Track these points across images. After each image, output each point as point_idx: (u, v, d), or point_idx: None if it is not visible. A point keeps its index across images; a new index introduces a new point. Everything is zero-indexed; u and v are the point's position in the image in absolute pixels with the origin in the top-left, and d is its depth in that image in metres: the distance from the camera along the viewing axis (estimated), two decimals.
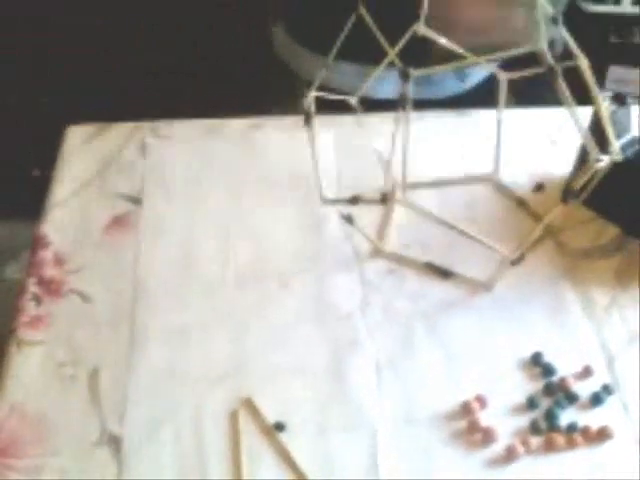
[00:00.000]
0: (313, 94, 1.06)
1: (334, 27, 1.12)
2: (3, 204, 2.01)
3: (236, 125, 1.34)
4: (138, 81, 2.12)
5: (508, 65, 1.10)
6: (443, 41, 1.06)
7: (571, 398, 0.97)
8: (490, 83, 1.41)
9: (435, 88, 1.26)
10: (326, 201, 1.12)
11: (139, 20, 2.09)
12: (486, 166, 1.25)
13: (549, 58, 1.01)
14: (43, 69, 2.16)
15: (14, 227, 1.85)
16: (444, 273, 1.11)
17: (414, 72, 1.11)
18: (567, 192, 0.99)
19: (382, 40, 1.05)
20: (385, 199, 1.12)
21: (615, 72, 1.36)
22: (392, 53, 1.05)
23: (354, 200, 1.12)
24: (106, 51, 2.14)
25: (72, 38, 2.12)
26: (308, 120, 1.05)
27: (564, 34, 0.99)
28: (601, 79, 1.33)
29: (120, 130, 1.33)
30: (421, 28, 1.04)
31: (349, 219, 1.13)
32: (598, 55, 1.20)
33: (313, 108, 1.06)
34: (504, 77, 1.16)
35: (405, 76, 1.09)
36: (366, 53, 1.05)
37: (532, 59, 1.04)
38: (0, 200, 2.07)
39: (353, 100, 1.13)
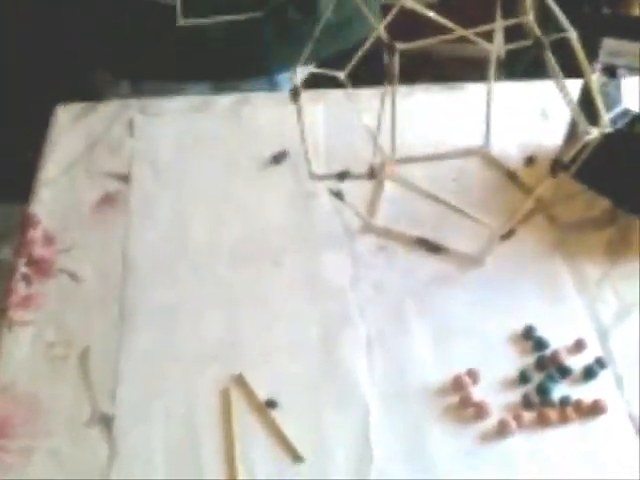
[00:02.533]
0: (300, 70, 1.05)
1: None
2: None
3: (224, 101, 1.34)
4: None
5: None
6: (431, 14, 1.05)
7: (563, 372, 0.97)
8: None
9: None
10: (314, 177, 1.12)
11: None
12: (476, 140, 1.24)
13: (537, 30, 1.00)
14: (29, 49, 2.15)
15: (8, 209, 1.84)
16: (435, 248, 1.11)
17: (399, 46, 1.11)
18: (556, 165, 0.98)
19: (370, 16, 1.04)
20: (374, 174, 1.11)
21: (609, 44, 1.35)
22: (380, 28, 1.04)
23: (343, 175, 1.11)
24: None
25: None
26: (296, 96, 1.04)
27: (552, 6, 0.99)
28: (595, 52, 1.32)
29: (108, 108, 1.32)
30: (408, 2, 1.04)
31: (339, 195, 1.12)
32: (591, 28, 1.20)
33: (300, 84, 1.05)
34: (493, 49, 1.15)
35: (391, 50, 1.09)
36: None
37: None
38: None
39: (341, 75, 1.12)
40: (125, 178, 1.20)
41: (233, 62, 1.19)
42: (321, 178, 1.13)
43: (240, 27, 1.07)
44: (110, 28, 1.36)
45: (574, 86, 1.04)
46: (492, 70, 1.18)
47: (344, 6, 1.33)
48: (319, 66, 1.22)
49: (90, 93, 1.51)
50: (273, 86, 1.44)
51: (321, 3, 1.35)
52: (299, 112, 1.05)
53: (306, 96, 1.06)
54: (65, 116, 1.31)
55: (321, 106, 1.30)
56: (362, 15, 1.35)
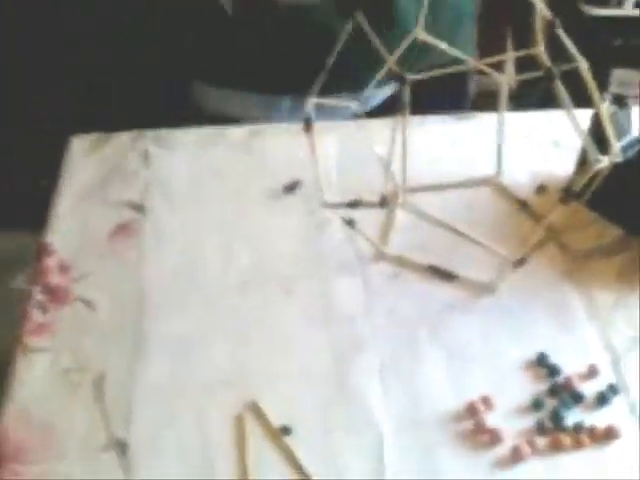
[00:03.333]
0: (313, 100, 1.06)
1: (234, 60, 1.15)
2: (11, 215, 2.01)
3: (236, 132, 1.35)
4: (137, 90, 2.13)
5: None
6: (443, 46, 1.07)
7: (577, 398, 0.97)
8: (389, 104, 1.43)
9: (338, 112, 1.28)
10: (327, 205, 1.12)
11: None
12: (488, 169, 1.25)
13: (547, 60, 1.01)
14: (45, 80, 2.17)
15: (23, 238, 1.85)
16: (447, 276, 1.12)
17: (410, 77, 1.12)
18: (567, 193, 0.99)
19: (381, 48, 1.05)
20: (385, 202, 1.12)
21: (618, 75, 1.36)
22: (391, 60, 1.05)
23: (355, 204, 1.12)
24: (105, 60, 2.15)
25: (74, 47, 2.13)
26: (308, 126, 1.05)
27: (563, 37, 1.00)
28: (605, 82, 1.33)
29: (122, 139, 1.34)
30: (420, 34, 1.05)
31: (351, 223, 1.13)
32: (601, 58, 1.21)
33: (313, 114, 1.06)
34: (504, 80, 1.16)
35: (401, 81, 1.10)
36: (260, 82, 1.07)
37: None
38: (8, 211, 2.07)
39: (353, 105, 1.13)
40: (139, 208, 1.21)
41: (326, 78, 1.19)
42: (333, 206, 1.14)
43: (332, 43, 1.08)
44: (208, 39, 1.36)
45: (585, 116, 1.05)
46: (503, 100, 1.19)
47: (438, 21, 1.35)
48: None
49: (183, 105, 1.54)
50: (363, 101, 1.44)
51: (400, 18, 1.35)
52: (311, 143, 1.06)
53: (318, 126, 1.07)
54: (80, 146, 1.32)
55: (333, 136, 1.31)
56: (456, 31, 1.37)
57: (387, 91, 1.50)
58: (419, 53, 1.11)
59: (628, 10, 1.91)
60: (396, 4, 1.34)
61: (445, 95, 1.27)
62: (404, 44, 1.05)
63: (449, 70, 1.13)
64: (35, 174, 2.06)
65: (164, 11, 1.43)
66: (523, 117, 1.35)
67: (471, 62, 1.11)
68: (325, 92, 1.10)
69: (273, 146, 1.32)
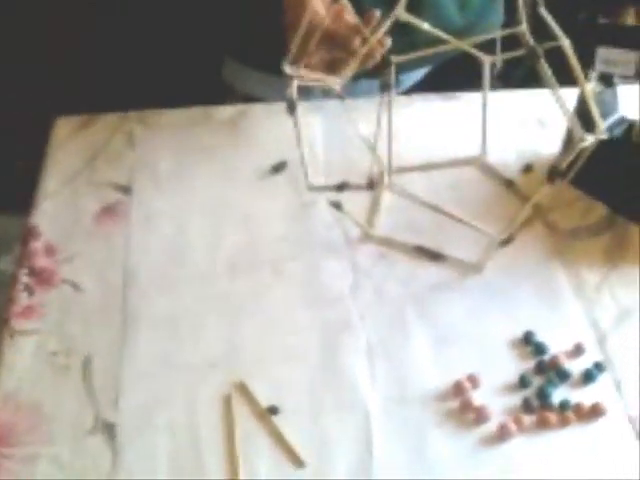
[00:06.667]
0: (296, 82, 1.06)
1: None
2: None
3: (223, 113, 1.34)
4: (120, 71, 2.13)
5: None
6: (426, 26, 1.07)
7: (563, 376, 0.98)
8: (423, 86, 1.43)
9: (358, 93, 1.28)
10: (313, 189, 1.12)
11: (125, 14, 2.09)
12: (474, 148, 1.25)
13: (530, 39, 1.01)
14: (27, 61, 2.16)
15: (5, 220, 1.84)
16: (434, 256, 1.12)
17: (395, 58, 1.12)
18: (553, 172, 0.99)
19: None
20: (372, 185, 1.12)
21: (604, 53, 1.36)
22: (372, 40, 1.05)
23: (341, 187, 1.12)
24: (92, 42, 2.14)
25: (59, 28, 2.12)
26: (292, 108, 1.05)
27: (545, 16, 1.00)
28: (591, 61, 1.33)
29: (107, 121, 1.33)
30: (402, 14, 1.04)
31: (337, 206, 1.13)
32: (587, 37, 1.21)
33: (296, 96, 1.05)
34: (488, 60, 1.16)
35: (386, 62, 1.10)
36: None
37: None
38: None
39: (337, 86, 1.13)
40: (126, 189, 1.21)
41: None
42: (319, 190, 1.14)
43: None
44: (243, 17, 1.35)
45: (571, 95, 1.05)
46: (487, 79, 1.18)
47: (469, 8, 1.35)
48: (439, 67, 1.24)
49: (216, 84, 1.53)
50: (397, 84, 1.43)
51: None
52: (296, 124, 1.06)
53: (304, 107, 1.07)
54: (65, 128, 1.31)
55: (319, 117, 1.31)
56: (486, 19, 1.37)
57: (419, 73, 1.49)
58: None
59: None
60: None
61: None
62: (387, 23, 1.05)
63: (432, 50, 1.13)
64: (11, 155, 2.06)
65: None
66: (508, 96, 1.35)
67: (454, 42, 1.10)
68: (359, 76, 1.11)
69: (260, 126, 1.32)
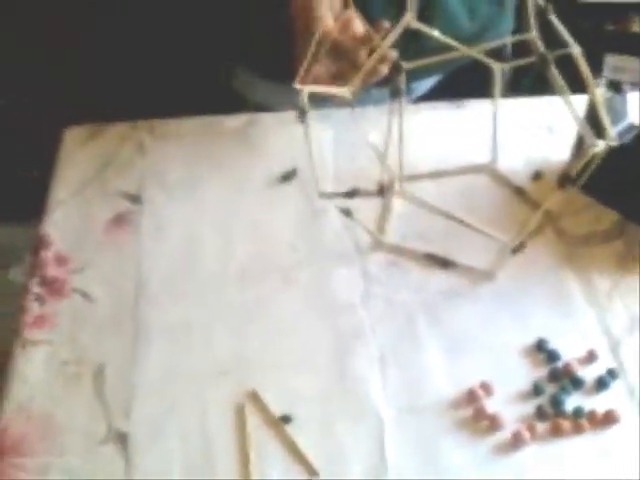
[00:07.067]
0: (307, 89, 1.05)
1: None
2: (3, 207, 2.01)
3: (232, 122, 1.34)
4: (133, 81, 2.12)
5: None
6: (436, 33, 1.07)
7: (576, 383, 0.97)
8: (434, 94, 1.43)
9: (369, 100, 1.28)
10: (323, 195, 1.12)
11: (132, 22, 2.09)
12: (483, 156, 1.25)
13: (540, 46, 1.01)
14: (38, 71, 2.16)
15: (15, 230, 1.84)
16: (445, 263, 1.12)
17: (406, 65, 1.12)
18: (564, 178, 0.99)
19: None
20: (382, 191, 1.12)
21: (612, 60, 1.36)
22: (384, 46, 1.05)
23: (352, 194, 1.11)
24: (100, 52, 2.14)
25: (67, 38, 2.12)
26: (303, 116, 1.05)
27: (555, 23, 1.00)
28: (600, 67, 1.33)
29: (117, 130, 1.33)
30: (413, 22, 1.04)
31: (348, 213, 1.13)
32: (594, 44, 1.21)
33: (307, 103, 1.05)
34: (498, 67, 1.16)
35: (397, 69, 1.10)
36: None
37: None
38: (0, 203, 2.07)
39: (348, 94, 1.13)
40: (136, 198, 1.21)
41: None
42: (330, 197, 1.13)
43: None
44: (255, 26, 1.35)
45: (580, 101, 1.05)
46: (497, 86, 1.18)
47: (478, 15, 1.35)
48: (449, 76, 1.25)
49: (228, 95, 1.53)
50: (409, 92, 1.43)
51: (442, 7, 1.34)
52: (306, 132, 1.06)
53: (314, 115, 1.07)
54: (75, 138, 1.31)
55: (328, 125, 1.31)
56: (496, 26, 1.37)
57: (431, 81, 1.49)
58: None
59: None
60: None
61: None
62: (398, 29, 1.04)
63: (442, 57, 1.13)
64: (25, 165, 2.06)
65: None
66: (517, 103, 1.34)
67: (464, 49, 1.10)
68: (370, 86, 1.11)
69: (270, 135, 1.32)
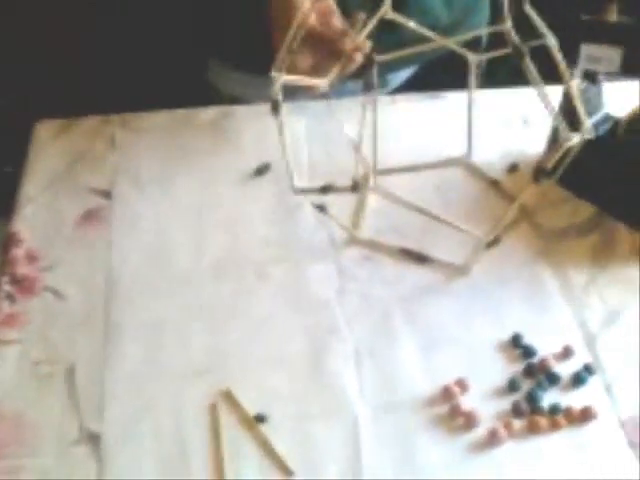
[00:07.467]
0: (281, 81, 1.04)
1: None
2: None
3: (205, 115, 1.33)
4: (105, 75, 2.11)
5: None
6: (412, 24, 1.06)
7: (552, 379, 0.97)
8: (410, 85, 1.43)
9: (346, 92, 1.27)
10: (297, 191, 1.11)
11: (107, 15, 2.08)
12: (460, 148, 1.24)
13: (514, 38, 1.00)
14: (27, 61, 2.15)
15: None
16: (420, 258, 1.11)
17: (379, 58, 1.11)
18: (539, 172, 0.98)
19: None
20: (357, 187, 1.11)
21: (588, 50, 1.36)
22: (360, 37, 1.04)
23: (326, 189, 1.10)
24: (74, 46, 2.12)
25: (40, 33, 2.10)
26: (276, 108, 1.03)
27: (531, 14, 0.99)
28: (575, 58, 1.33)
29: (89, 124, 1.32)
30: (388, 12, 1.04)
31: (322, 208, 1.12)
32: (570, 34, 1.20)
33: (281, 92, 1.04)
34: (474, 58, 1.15)
35: (370, 62, 1.09)
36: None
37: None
38: None
39: (325, 85, 1.12)
40: (107, 194, 1.20)
41: None
42: (304, 192, 1.12)
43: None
44: (227, 17, 1.34)
45: (555, 92, 1.04)
46: (473, 78, 1.18)
47: (455, 6, 1.34)
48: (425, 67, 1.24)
49: (201, 86, 1.52)
50: (384, 84, 1.42)
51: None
52: (280, 126, 1.05)
53: (288, 108, 1.06)
54: (46, 132, 1.30)
55: (303, 118, 1.30)
56: (472, 16, 1.36)
57: (407, 73, 1.48)
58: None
59: None
60: None
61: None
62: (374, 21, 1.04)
63: (418, 48, 1.12)
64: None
65: None
66: (492, 94, 1.34)
67: (440, 40, 1.10)
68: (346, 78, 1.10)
69: (243, 128, 1.31)
